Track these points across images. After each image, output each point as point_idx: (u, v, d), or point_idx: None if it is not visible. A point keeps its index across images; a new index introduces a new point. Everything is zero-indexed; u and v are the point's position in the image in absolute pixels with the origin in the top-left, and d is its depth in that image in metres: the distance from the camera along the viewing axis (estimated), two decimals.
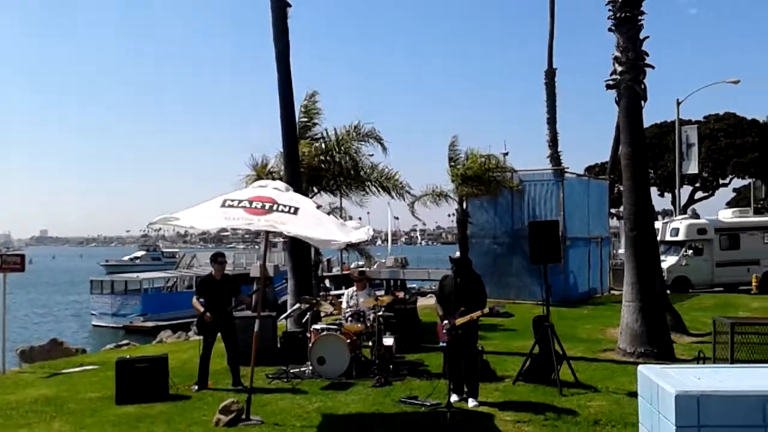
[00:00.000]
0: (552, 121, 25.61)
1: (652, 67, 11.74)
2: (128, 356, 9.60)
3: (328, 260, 46.09)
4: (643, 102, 11.74)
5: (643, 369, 5.21)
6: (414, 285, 35.95)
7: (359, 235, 7.63)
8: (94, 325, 33.31)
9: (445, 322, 8.32)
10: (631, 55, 11.56)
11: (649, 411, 4.91)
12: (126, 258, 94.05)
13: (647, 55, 11.72)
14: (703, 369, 5.62)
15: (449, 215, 23.56)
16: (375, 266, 49.92)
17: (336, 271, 45.34)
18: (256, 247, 69.79)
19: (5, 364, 11.97)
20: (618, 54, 11.68)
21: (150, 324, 30.65)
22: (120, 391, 8.66)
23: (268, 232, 8.85)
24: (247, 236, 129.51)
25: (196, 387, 9.32)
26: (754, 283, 24.47)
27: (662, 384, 4.62)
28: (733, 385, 4.64)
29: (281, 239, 44.72)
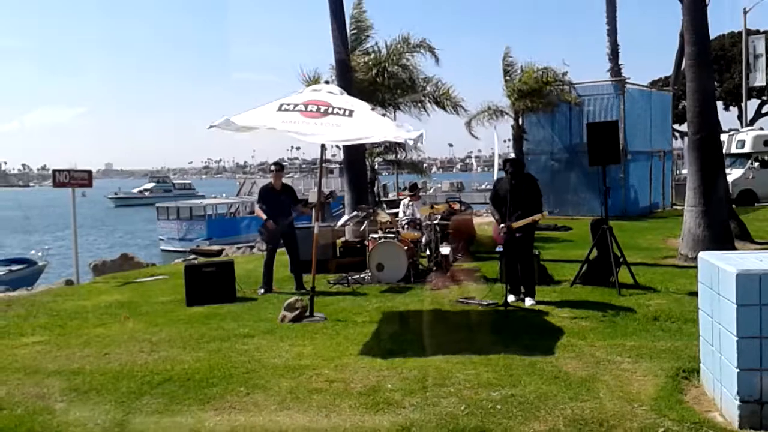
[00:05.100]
0: (612, 32, 24.55)
1: None
2: (196, 261, 10.03)
3: (384, 185, 46.29)
4: None
5: (703, 255, 5.18)
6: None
7: (413, 135, 7.61)
8: (163, 250, 34.51)
9: (502, 225, 8.32)
10: None
11: (710, 295, 4.90)
12: (135, 190, 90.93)
13: None
14: (766, 253, 5.55)
15: (505, 141, 23.03)
16: (431, 191, 49.94)
17: (392, 196, 45.56)
18: (313, 176, 70.32)
19: (79, 276, 12.67)
20: None
21: (216, 247, 31.59)
22: (190, 293, 9.08)
23: (323, 158, 8.94)
24: (304, 166, 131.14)
25: (262, 290, 9.72)
26: None
27: (723, 266, 4.60)
28: None
29: (337, 165, 45.22)
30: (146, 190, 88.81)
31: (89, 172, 12.83)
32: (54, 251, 26.23)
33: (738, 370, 4.24)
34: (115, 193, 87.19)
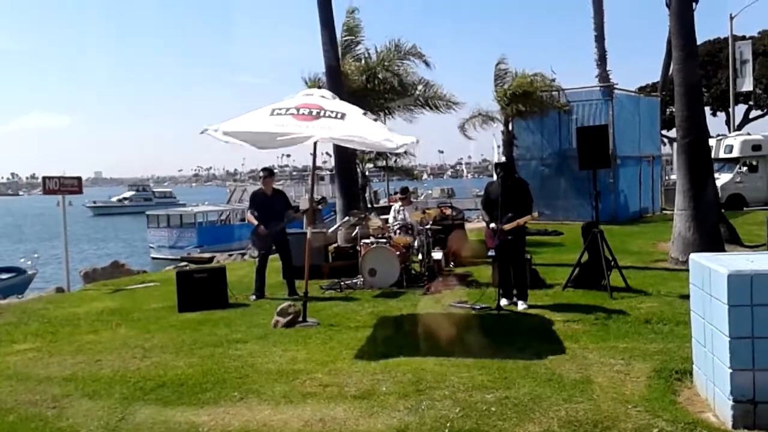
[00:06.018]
0: (600, 39, 24.68)
1: None
2: (187, 267, 9.99)
3: (375, 192, 46.31)
4: (694, 3, 11.28)
5: (694, 256, 5.21)
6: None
7: (406, 141, 7.61)
8: (153, 258, 34.36)
9: (492, 225, 8.35)
10: None
11: (701, 296, 4.93)
12: (114, 199, 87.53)
13: None
14: (756, 254, 5.60)
15: (495, 147, 23.26)
16: (422, 197, 49.95)
17: (383, 202, 45.55)
18: (304, 183, 70.11)
19: (70, 284, 12.60)
20: None
21: (207, 255, 31.52)
22: (181, 300, 9.03)
23: (315, 161, 8.90)
24: (294, 173, 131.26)
25: (254, 297, 9.70)
26: None
27: (714, 267, 4.62)
28: None
29: (328, 172, 45.22)
30: (125, 198, 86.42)
31: (79, 179, 12.80)
32: (43, 260, 26.06)
33: (731, 371, 4.26)
34: (94, 202, 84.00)
